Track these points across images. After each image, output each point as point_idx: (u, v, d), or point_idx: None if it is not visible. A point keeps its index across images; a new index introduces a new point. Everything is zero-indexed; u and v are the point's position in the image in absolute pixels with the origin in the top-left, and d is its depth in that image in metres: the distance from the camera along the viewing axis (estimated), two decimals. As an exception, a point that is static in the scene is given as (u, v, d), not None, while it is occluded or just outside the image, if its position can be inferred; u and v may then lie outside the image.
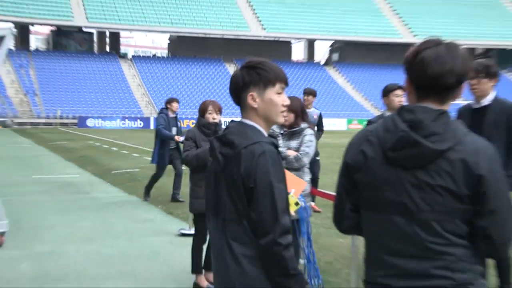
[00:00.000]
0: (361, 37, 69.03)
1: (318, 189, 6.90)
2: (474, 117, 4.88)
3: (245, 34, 66.33)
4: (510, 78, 69.29)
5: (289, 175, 2.64)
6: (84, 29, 67.14)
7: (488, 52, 71.46)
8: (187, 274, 5.84)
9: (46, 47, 76.66)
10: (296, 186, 3.22)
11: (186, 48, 69.29)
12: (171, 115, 10.70)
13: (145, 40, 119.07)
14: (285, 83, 2.56)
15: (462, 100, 3.29)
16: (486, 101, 4.87)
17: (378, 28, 69.88)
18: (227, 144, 2.47)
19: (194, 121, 6.23)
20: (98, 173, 15.35)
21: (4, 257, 6.81)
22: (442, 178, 2.00)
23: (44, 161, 19.46)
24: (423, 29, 67.30)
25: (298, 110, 5.35)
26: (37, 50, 69.67)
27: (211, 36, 66.88)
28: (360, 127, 50.37)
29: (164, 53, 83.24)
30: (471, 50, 66.89)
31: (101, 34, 71.46)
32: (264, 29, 66.73)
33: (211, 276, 5.44)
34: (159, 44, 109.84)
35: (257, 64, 2.52)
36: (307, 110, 9.37)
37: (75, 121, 51.18)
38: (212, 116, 5.78)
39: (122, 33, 73.75)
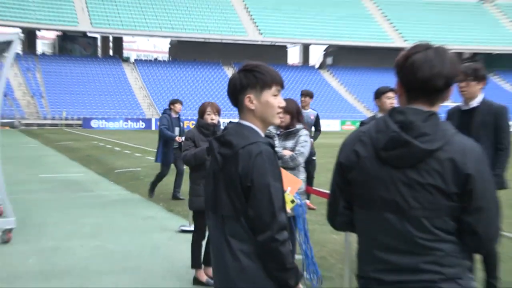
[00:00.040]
0: (354, 42, 69.10)
1: (313, 188, 6.90)
2: (463, 118, 4.89)
3: (243, 39, 66.34)
4: (496, 81, 69.43)
5: (285, 174, 2.64)
6: (89, 34, 67.07)
7: (475, 56, 71.53)
8: (187, 269, 5.83)
9: (52, 51, 76.54)
10: (292, 185, 3.22)
11: (186, 52, 69.27)
12: (174, 115, 10.70)
13: (147, 44, 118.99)
14: (281, 85, 2.56)
15: (451, 102, 3.28)
16: (475, 103, 4.88)
17: (370, 33, 69.94)
18: (225, 144, 2.47)
19: (194, 122, 6.23)
20: (102, 172, 15.33)
21: (12, 252, 6.81)
22: (432, 176, 2.01)
23: (50, 160, 19.44)
24: (413, 34, 67.38)
25: (294, 111, 5.35)
26: (43, 54, 69.62)
27: (210, 40, 66.89)
28: (353, 128, 50.41)
29: (165, 57, 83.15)
30: (459, 55, 66.90)
31: (105, 39, 71.41)
32: (261, 34, 66.74)
33: (210, 271, 5.44)
34: (160, 48, 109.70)
35: (254, 67, 2.52)
36: (305, 111, 9.39)
37: (80, 122, 51.14)
38: (210, 117, 5.78)
39: (125, 38, 73.72)
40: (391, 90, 5.89)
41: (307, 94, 9.53)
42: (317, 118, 9.64)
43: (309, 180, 8.80)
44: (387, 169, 2.08)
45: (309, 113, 9.48)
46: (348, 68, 71.56)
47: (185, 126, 10.21)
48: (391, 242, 2.08)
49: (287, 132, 5.35)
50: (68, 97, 55.63)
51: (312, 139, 9.34)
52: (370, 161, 2.13)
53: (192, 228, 5.91)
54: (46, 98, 55.14)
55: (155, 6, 65.99)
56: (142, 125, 51.98)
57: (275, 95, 2.53)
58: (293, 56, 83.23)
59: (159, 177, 10.83)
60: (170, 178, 11.22)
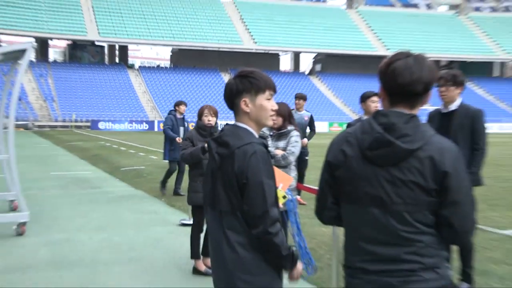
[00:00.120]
0: (341, 50, 69.24)
1: (304, 184, 6.89)
2: (442, 120, 4.91)
3: (239, 47, 66.34)
4: (470, 87, 69.58)
5: (277, 172, 2.64)
6: (97, 43, 66.97)
7: (451, 64, 71.80)
8: (187, 259, 5.82)
9: (63, 59, 76.36)
10: (283, 181, 3.21)
11: (186, 59, 69.25)
12: (179, 116, 10.69)
13: (150, 52, 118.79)
14: (274, 90, 2.56)
15: (429, 106, 3.30)
16: (453, 106, 4.89)
17: (356, 42, 70.09)
18: (222, 144, 2.47)
19: (194, 124, 6.23)
20: (109, 170, 15.30)
21: (25, 244, 6.78)
22: (413, 174, 2.01)
23: (61, 159, 19.38)
24: (395, 43, 67.61)
25: (286, 114, 5.35)
26: (55, 62, 69.43)
27: (209, 49, 66.85)
28: (340, 129, 50.52)
29: (167, 63, 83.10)
30: (436, 62, 67.07)
31: (111, 47, 71.32)
32: (255, 42, 66.77)
33: (208, 261, 5.44)
34: (163, 56, 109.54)
35: (249, 73, 2.52)
36: (299, 113, 9.36)
37: (88, 124, 51.01)
38: (207, 119, 5.78)
39: (130, 46, 73.56)
40: (375, 94, 5.89)
41: (301, 97, 9.49)
42: (311, 119, 9.55)
43: (300, 178, 8.79)
44: (372, 167, 2.08)
45: (303, 114, 9.44)
46: (336, 74, 71.66)
47: (190, 126, 10.19)
48: (375, 235, 2.08)
49: (279, 133, 5.35)
50: (77, 101, 55.52)
51: (306, 139, 9.31)
52: (356, 160, 2.12)
53: (191, 222, 5.90)
54: (57, 102, 55.01)
55: (158, 17, 65.95)
56: (145, 126, 51.87)
57: (268, 99, 2.54)
58: (285, 63, 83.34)
59: (168, 174, 10.77)
60: (172, 176, 11.21)
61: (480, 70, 74.66)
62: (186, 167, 6.36)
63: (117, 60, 71.35)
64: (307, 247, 3.63)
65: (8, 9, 58.07)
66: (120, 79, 62.68)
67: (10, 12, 57.88)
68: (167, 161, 10.88)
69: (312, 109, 9.65)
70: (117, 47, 70.90)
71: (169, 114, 10.74)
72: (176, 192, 10.60)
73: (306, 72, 76.27)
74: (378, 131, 2.06)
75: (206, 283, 5.03)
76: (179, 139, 10.20)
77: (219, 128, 2.95)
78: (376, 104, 5.93)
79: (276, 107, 2.59)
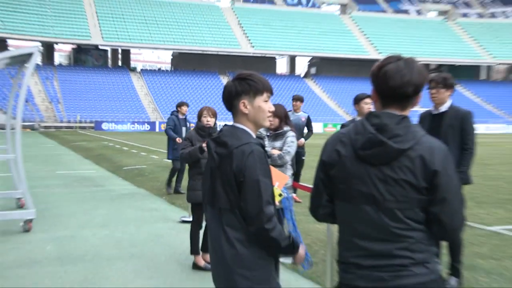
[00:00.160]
0: (335, 54, 69.27)
1: (299, 183, 6.89)
2: (433, 121, 4.91)
3: (237, 51, 66.32)
4: (458, 89, 69.68)
5: (274, 171, 2.64)
6: (100, 47, 66.85)
7: (440, 67, 71.89)
8: (187, 255, 5.82)
9: (68, 62, 76.22)
10: (279, 180, 3.21)
11: (186, 62, 69.21)
12: (181, 116, 10.68)
13: (151, 56, 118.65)
14: (271, 92, 2.56)
15: (420, 108, 3.30)
16: (444, 108, 4.89)
17: (349, 46, 70.14)
18: (221, 144, 2.46)
19: (194, 125, 6.24)
20: (112, 169, 15.27)
21: (32, 240, 6.77)
22: (404, 173, 2.01)
23: (66, 159, 19.35)
24: (386, 47, 67.65)
25: (282, 115, 5.35)
26: (60, 65, 69.29)
27: (208, 52, 66.80)
28: (334, 130, 50.56)
29: (168, 67, 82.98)
30: (426, 66, 67.16)
31: (114, 51, 71.21)
32: (253, 47, 66.76)
33: (207, 257, 5.43)
34: (164, 59, 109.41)
35: (247, 76, 2.52)
36: (296, 114, 9.33)
37: (92, 124, 50.94)
38: (206, 119, 5.78)
39: (132, 50, 73.53)
40: (368, 96, 5.88)
41: (298, 98, 9.41)
42: (309, 120, 9.45)
43: (296, 176, 8.78)
44: (365, 166, 2.08)
45: (300, 115, 9.38)
46: (330, 77, 71.70)
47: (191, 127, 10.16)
48: (368, 231, 2.08)
49: (276, 134, 5.35)
50: (82, 102, 55.44)
51: (303, 139, 9.27)
52: (350, 160, 2.12)
53: (191, 219, 5.89)
54: (62, 104, 54.92)
55: (159, 22, 65.88)
56: (147, 127, 51.82)
57: (266, 101, 2.54)
58: (281, 66, 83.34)
59: (172, 173, 10.72)
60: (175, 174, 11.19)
61: (468, 73, 74.80)
62: (186, 166, 6.35)
63: (120, 63, 71.26)
64: (302, 243, 3.62)
65: (16, 14, 58.01)
66: (123, 81, 62.60)
67: (17, 17, 57.81)
68: (170, 160, 10.85)
69: (307, 111, 9.62)
70: (120, 51, 70.81)
71: (171, 114, 10.73)
72: (176, 190, 10.59)
73: (302, 75, 76.30)
74: (370, 131, 2.06)
75: (206, 278, 5.03)
76: (178, 140, 10.18)
77: (218, 129, 2.94)
78: (369, 105, 5.93)
79: (273, 108, 2.59)
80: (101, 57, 69.75)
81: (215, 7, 72.68)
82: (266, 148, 5.07)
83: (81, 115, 52.68)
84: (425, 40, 72.75)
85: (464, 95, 69.43)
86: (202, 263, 5.56)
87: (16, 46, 53.31)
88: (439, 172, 2.00)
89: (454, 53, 71.72)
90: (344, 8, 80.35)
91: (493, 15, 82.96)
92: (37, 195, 9.59)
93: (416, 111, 3.96)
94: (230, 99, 2.52)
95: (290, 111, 8.99)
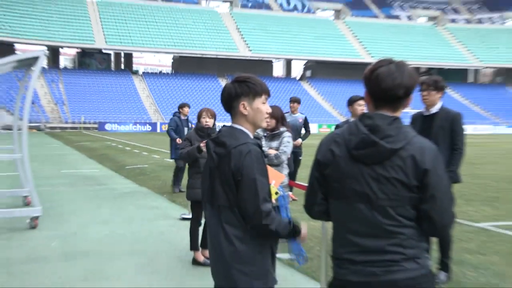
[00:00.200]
0: (329, 58, 69.28)
1: (295, 182, 6.88)
2: (424, 122, 4.92)
3: (235, 55, 66.27)
4: (447, 92, 69.72)
5: (270, 170, 2.64)
6: (104, 51, 66.70)
7: (429, 70, 71.94)
8: (187, 251, 5.81)
9: (72, 65, 76.10)
10: (276, 179, 3.19)
11: (186, 66, 69.12)
12: (183, 117, 10.67)
13: (153, 59, 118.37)
14: (268, 94, 2.56)
15: (411, 109, 3.30)
16: (434, 109, 4.90)
17: (343, 50, 70.17)
18: (220, 144, 2.46)
19: (193, 126, 6.23)
20: (114, 168, 15.25)
21: (38, 237, 6.76)
22: (396, 172, 2.01)
23: (70, 158, 19.31)
24: (378, 51, 67.72)
25: (279, 116, 5.35)
26: (65, 68, 69.20)
27: (207, 56, 66.72)
28: (328, 130, 50.57)
29: (169, 70, 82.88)
30: (416, 69, 67.22)
31: (117, 55, 71.11)
32: (251, 50, 66.73)
33: (206, 252, 5.43)
34: (165, 62, 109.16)
35: (246, 78, 2.52)
36: (294, 115, 9.31)
37: (96, 125, 50.83)
38: (205, 120, 5.78)
39: (134, 54, 73.34)
40: (362, 98, 5.88)
41: (295, 100, 9.36)
42: (306, 121, 9.39)
43: (292, 175, 8.77)
44: (358, 165, 2.08)
45: (298, 116, 9.34)
46: (325, 79, 71.69)
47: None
48: (362, 228, 2.08)
49: (273, 134, 5.35)
50: (86, 104, 55.33)
51: (300, 139, 9.24)
52: (343, 159, 2.12)
53: (191, 216, 5.88)
54: (67, 105, 54.81)
55: (160, 27, 65.80)
56: (148, 128, 51.74)
57: (264, 103, 2.54)
58: (278, 69, 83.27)
59: (176, 171, 10.69)
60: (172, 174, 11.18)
61: (456, 76, 74.88)
62: (186, 166, 6.34)
63: (122, 66, 71.13)
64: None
65: (23, 20, 57.94)
66: (125, 84, 62.50)
67: (25, 23, 57.74)
68: (173, 159, 10.81)
69: (303, 112, 9.59)
70: (122, 54, 70.69)
71: (173, 115, 10.71)
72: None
73: (297, 78, 76.26)
74: (364, 132, 2.06)
75: (205, 273, 5.02)
76: (179, 140, 10.17)
77: (217, 130, 2.94)
78: (362, 107, 5.93)
79: (270, 110, 2.59)
80: (104, 61, 69.61)
81: (214, 13, 72.63)
82: (263, 148, 5.07)
83: (85, 116, 52.57)
84: (415, 44, 72.82)
85: (453, 97, 69.50)
86: (201, 258, 5.56)
87: (23, 50, 53.09)
88: (429, 171, 2.00)
89: (443, 57, 71.81)
90: (338, 13, 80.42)
91: (480, 21, 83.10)
92: (43, 193, 9.57)
93: (407, 113, 3.97)
94: (230, 100, 2.51)
95: (287, 112, 8.98)
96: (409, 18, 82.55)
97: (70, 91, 57.56)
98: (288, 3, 78.70)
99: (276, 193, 3.21)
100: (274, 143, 5.30)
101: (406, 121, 2.26)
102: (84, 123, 51.87)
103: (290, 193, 7.66)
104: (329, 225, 2.37)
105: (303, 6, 79.13)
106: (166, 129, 10.70)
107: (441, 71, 71.23)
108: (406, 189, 2.01)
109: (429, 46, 73.07)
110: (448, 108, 4.94)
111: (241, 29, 69.78)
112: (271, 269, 2.49)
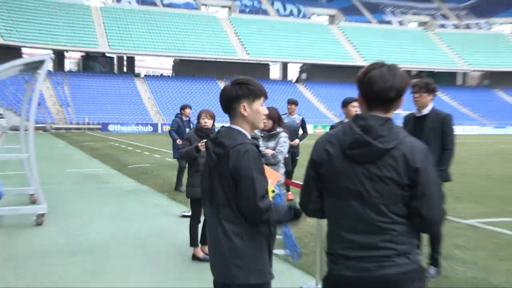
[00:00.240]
0: (324, 61, 69.30)
1: (292, 180, 6.88)
2: (416, 123, 4.92)
3: (233, 58, 66.23)
4: (437, 94, 69.55)
5: (267, 169, 2.64)
6: (107, 55, 66.62)
7: (420, 73, 72.05)
8: (187, 247, 5.80)
9: (77, 68, 75.94)
10: (272, 177, 3.19)
11: (186, 69, 69.08)
12: (184, 118, 10.64)
13: (154, 62, 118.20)
14: (266, 96, 2.57)
15: (402, 111, 3.30)
16: (426, 111, 4.90)
17: (337, 54, 70.20)
18: (219, 144, 2.46)
19: (193, 126, 6.23)
20: (117, 167, 15.22)
21: (44, 234, 6.74)
22: (388, 170, 2.01)
23: (75, 158, 19.28)
24: (371, 55, 67.76)
25: (275, 117, 5.34)
26: (70, 71, 69.02)
27: (206, 59, 66.68)
28: (323, 131, 50.58)
29: (169, 72, 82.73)
30: (407, 72, 67.34)
31: (120, 58, 70.94)
32: (248, 54, 66.71)
33: (206, 248, 5.42)
34: (165, 65, 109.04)
35: (245, 81, 2.52)
36: (291, 116, 9.27)
37: (99, 126, 50.74)
38: (204, 121, 5.78)
39: (136, 57, 73.21)
40: (355, 100, 5.88)
41: (292, 102, 9.29)
42: (303, 122, 9.32)
43: (288, 174, 8.75)
44: (352, 165, 2.08)
45: (295, 118, 9.29)
46: (320, 82, 71.72)
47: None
48: (355, 225, 2.07)
49: (269, 135, 5.34)
50: (90, 106, 55.24)
51: (298, 140, 9.21)
52: (338, 159, 2.12)
53: (191, 213, 5.88)
54: (72, 107, 54.72)
55: (162, 31, 65.73)
56: (150, 128, 51.66)
57: (262, 105, 2.53)
58: (274, 72, 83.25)
59: (180, 170, 10.66)
60: (173, 173, 11.16)
61: (445, 79, 75.00)
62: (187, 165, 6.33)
63: (125, 69, 71.00)
64: (292, 235, 3.62)
65: (29, 25, 57.85)
66: (128, 86, 62.42)
67: (31, 27, 57.66)
68: (175, 159, 10.79)
69: (300, 113, 9.56)
70: (125, 58, 70.53)
71: (175, 117, 10.68)
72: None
73: (293, 80, 76.25)
74: (357, 132, 2.06)
75: (204, 268, 5.02)
76: (179, 141, 10.15)
77: (216, 130, 2.94)
78: (356, 108, 5.92)
79: (267, 111, 2.59)
80: (107, 64, 69.51)
81: (213, 18, 72.59)
82: (260, 148, 5.06)
83: (89, 118, 52.48)
84: (406, 48, 72.92)
85: (442, 99, 69.61)
86: (201, 254, 5.55)
87: (29, 54, 53.10)
88: (420, 169, 2.00)
89: (433, 61, 71.92)
90: (332, 19, 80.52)
91: (467, 26, 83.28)
92: (49, 191, 9.54)
93: (399, 114, 3.97)
94: (230, 102, 2.51)
95: (285, 113, 8.96)
96: (400, 23, 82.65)
97: (74, 93, 57.47)
98: (285, 8, 78.70)
99: (273, 191, 3.21)
100: (271, 143, 5.30)
101: (398, 122, 2.26)
102: (88, 124, 51.79)
103: (289, 192, 7.64)
104: (324, 222, 2.38)
105: (299, 11, 79.17)
106: (168, 130, 10.68)
107: (431, 74, 71.36)
108: (398, 187, 2.01)
109: (419, 50, 73.20)
110: (439, 109, 4.94)
111: (239, 33, 69.76)
112: (267, 264, 2.49)
